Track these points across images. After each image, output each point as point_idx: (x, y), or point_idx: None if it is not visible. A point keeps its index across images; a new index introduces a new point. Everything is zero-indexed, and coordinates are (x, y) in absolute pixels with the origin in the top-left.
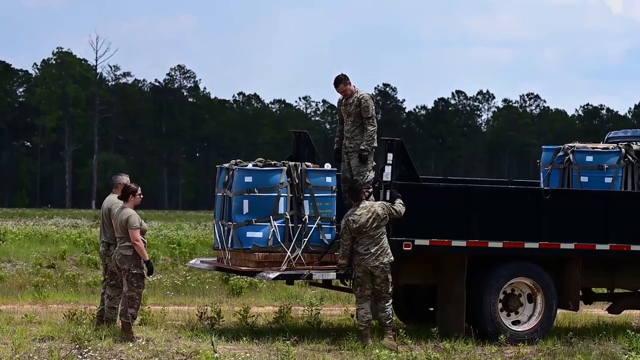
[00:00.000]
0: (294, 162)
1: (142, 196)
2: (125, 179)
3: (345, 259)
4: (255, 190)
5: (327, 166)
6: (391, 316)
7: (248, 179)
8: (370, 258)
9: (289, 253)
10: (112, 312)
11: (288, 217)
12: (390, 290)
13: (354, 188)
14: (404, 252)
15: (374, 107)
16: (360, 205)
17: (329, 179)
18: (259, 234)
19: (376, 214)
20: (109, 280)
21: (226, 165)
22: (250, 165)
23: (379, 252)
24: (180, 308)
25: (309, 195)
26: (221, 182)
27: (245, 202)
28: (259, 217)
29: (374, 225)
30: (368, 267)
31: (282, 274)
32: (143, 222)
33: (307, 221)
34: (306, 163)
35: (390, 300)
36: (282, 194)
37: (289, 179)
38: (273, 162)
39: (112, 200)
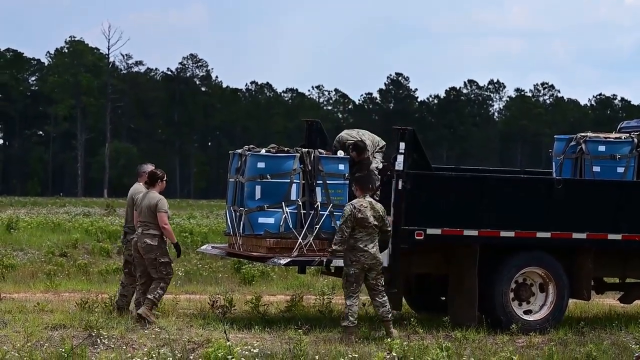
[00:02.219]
0: (307, 149)
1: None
2: (150, 167)
3: (342, 245)
4: (268, 176)
5: (340, 153)
6: (390, 309)
7: (261, 165)
8: (370, 257)
9: (300, 239)
10: (123, 300)
11: (300, 203)
12: (384, 283)
13: (364, 178)
14: (416, 241)
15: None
16: (366, 198)
17: (341, 167)
18: (271, 220)
19: (377, 212)
20: (123, 268)
21: (239, 151)
22: (263, 151)
23: (376, 249)
24: (192, 297)
25: (321, 182)
26: (234, 168)
27: (258, 188)
28: (271, 203)
29: (374, 223)
30: (367, 264)
31: (293, 259)
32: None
33: (319, 208)
34: (319, 150)
35: (385, 294)
36: (294, 180)
37: (301, 166)
38: (286, 149)
39: (137, 188)
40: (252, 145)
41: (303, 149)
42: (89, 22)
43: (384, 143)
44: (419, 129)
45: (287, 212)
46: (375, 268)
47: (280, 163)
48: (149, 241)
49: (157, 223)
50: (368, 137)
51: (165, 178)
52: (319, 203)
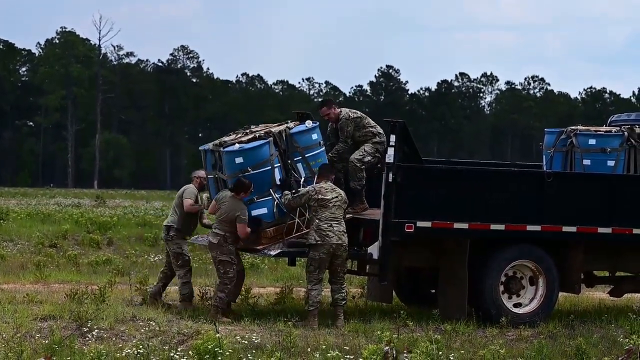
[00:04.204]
0: (276, 129)
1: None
2: (203, 172)
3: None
4: (249, 169)
5: (309, 123)
6: (346, 297)
7: (239, 160)
8: (335, 236)
9: (297, 220)
10: (186, 289)
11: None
12: (346, 271)
13: (327, 166)
14: (406, 234)
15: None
16: (327, 183)
17: (314, 136)
18: (264, 210)
19: (340, 194)
20: (176, 262)
21: (209, 146)
22: (237, 146)
23: (342, 230)
24: None
25: (300, 157)
26: (209, 164)
27: None
28: (259, 194)
29: (337, 204)
30: (332, 246)
31: (284, 250)
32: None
33: (306, 183)
34: (287, 126)
35: (346, 281)
36: (275, 165)
37: (277, 149)
38: (254, 132)
39: (191, 191)
40: (221, 140)
41: (273, 130)
42: (80, 13)
43: (380, 132)
44: (410, 121)
45: (276, 197)
46: (340, 254)
47: (257, 153)
48: (211, 239)
49: (224, 224)
50: (351, 112)
51: (251, 188)
52: (303, 178)
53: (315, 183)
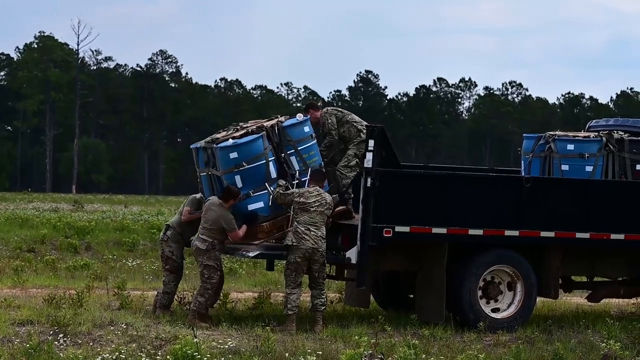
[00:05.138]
0: (269, 123)
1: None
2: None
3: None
4: (244, 164)
5: (300, 116)
6: (326, 303)
7: (233, 155)
8: (310, 240)
9: (292, 212)
10: (165, 298)
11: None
12: (325, 277)
13: (319, 172)
14: (385, 238)
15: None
16: (313, 187)
17: (306, 129)
18: (260, 204)
19: (324, 200)
20: (164, 265)
21: (201, 144)
22: (230, 142)
23: (320, 235)
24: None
25: (293, 150)
26: (201, 161)
27: (238, 178)
28: (255, 188)
29: (319, 210)
30: (308, 250)
31: (262, 252)
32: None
33: (300, 176)
34: (279, 119)
35: (325, 287)
36: (269, 159)
37: (270, 143)
38: (246, 128)
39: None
40: (213, 137)
41: (266, 124)
42: (58, 17)
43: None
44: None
45: (272, 191)
46: (317, 259)
47: (252, 147)
48: (199, 244)
49: (212, 232)
50: (332, 108)
51: (240, 196)
52: (297, 171)
53: (307, 186)
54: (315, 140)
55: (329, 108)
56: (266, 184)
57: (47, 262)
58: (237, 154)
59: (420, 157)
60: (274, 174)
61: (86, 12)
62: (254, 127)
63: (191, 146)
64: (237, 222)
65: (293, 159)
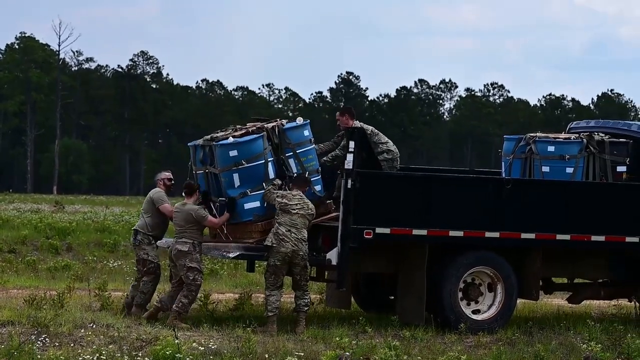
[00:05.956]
0: (270, 124)
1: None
2: (167, 174)
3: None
4: (243, 162)
5: (300, 120)
6: (309, 304)
7: (233, 153)
8: (290, 242)
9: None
10: (141, 297)
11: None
12: (308, 278)
13: (302, 178)
14: (365, 240)
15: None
16: (296, 192)
17: (306, 132)
18: (257, 203)
19: (307, 205)
20: (142, 268)
21: (199, 142)
22: (230, 139)
23: (300, 237)
24: None
25: (291, 153)
26: (198, 159)
27: (236, 176)
28: (252, 187)
29: (300, 212)
30: (288, 253)
31: (242, 253)
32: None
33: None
34: (281, 122)
35: (308, 288)
36: (268, 159)
37: (270, 143)
38: (246, 128)
39: (159, 195)
40: (212, 135)
41: (267, 125)
42: (39, 18)
43: (391, 150)
44: None
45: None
46: (298, 262)
47: (252, 146)
48: (180, 247)
49: (189, 231)
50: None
51: (198, 190)
52: (295, 174)
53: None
54: (314, 145)
55: (361, 124)
56: (264, 184)
57: (28, 262)
58: (237, 152)
59: (402, 158)
60: (272, 175)
61: (67, 13)
62: (255, 127)
63: (189, 144)
64: (217, 212)
65: (291, 161)
